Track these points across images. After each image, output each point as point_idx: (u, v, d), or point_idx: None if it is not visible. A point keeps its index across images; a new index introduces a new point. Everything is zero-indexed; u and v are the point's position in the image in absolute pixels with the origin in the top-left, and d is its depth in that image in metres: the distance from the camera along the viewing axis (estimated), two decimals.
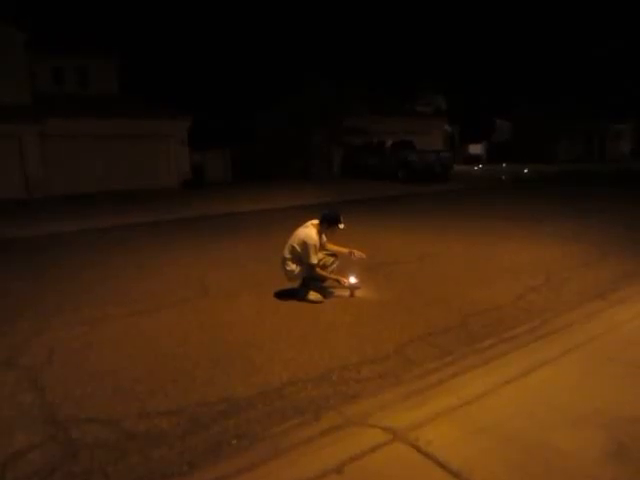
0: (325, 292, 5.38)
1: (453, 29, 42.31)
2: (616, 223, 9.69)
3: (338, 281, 5.29)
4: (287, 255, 5.23)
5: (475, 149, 42.85)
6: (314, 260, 5.08)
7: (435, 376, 3.40)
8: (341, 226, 5.18)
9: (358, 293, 5.35)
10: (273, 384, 3.40)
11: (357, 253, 5.45)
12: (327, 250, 5.46)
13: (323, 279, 5.36)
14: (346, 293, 5.36)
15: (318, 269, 5.20)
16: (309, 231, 5.16)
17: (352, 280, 5.35)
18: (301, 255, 5.11)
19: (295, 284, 5.32)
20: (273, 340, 4.18)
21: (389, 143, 22.41)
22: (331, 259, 5.47)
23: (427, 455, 2.48)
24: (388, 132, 24.82)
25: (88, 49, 22.66)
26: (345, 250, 5.48)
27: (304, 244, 5.08)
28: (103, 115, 19.35)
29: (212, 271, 6.73)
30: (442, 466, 2.39)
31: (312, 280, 5.28)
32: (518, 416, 2.82)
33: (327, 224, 5.23)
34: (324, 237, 5.37)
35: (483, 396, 3.06)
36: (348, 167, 24.59)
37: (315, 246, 5.08)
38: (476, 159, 38.70)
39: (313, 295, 5.21)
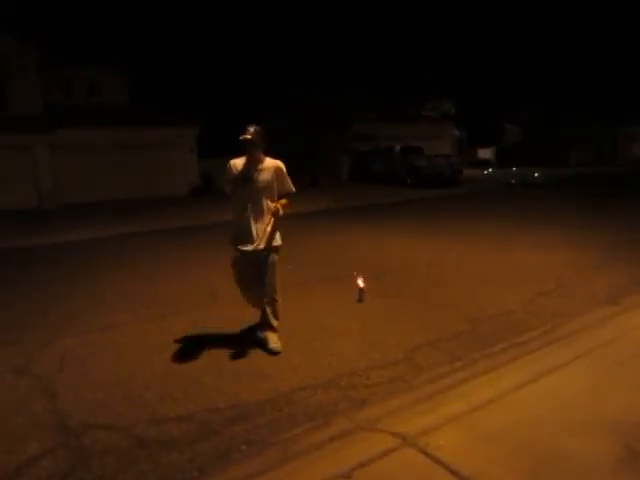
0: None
1: (460, 33, 42.33)
2: (627, 227, 9.60)
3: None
4: None
5: (484, 153, 42.79)
6: (223, 187, 4.16)
7: (445, 381, 3.38)
8: (241, 137, 3.88)
9: (366, 298, 5.35)
10: (282, 390, 3.40)
11: (272, 205, 4.01)
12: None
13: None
14: (354, 296, 5.37)
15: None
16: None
17: (360, 284, 5.36)
18: None
19: None
20: (282, 345, 4.17)
21: (397, 148, 22.40)
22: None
23: (437, 461, 2.47)
24: (396, 137, 24.80)
25: (98, 60, 22.95)
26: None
27: None
28: (112, 125, 19.56)
29: (221, 278, 6.72)
30: (452, 472, 2.38)
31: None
32: (528, 422, 2.80)
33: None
34: (263, 173, 4.00)
35: (493, 401, 3.04)
36: (356, 173, 24.61)
37: (225, 171, 4.09)
38: (485, 163, 38.59)
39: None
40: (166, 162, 20.95)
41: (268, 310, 4.15)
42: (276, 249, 4.10)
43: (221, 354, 4.08)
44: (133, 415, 3.14)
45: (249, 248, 3.94)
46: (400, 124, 28.08)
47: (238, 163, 4.05)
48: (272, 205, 3.99)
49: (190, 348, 4.25)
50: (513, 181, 22.07)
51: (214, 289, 6.17)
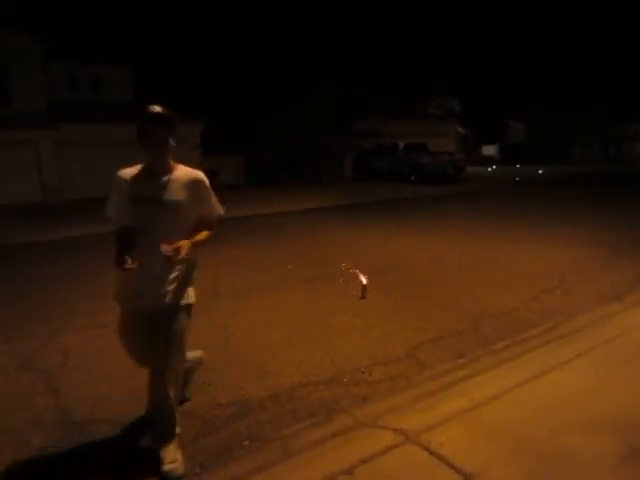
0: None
1: (467, 32, 42.18)
2: (631, 225, 9.56)
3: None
4: None
5: (488, 150, 42.72)
6: (107, 212, 2.79)
7: (447, 378, 3.39)
8: (149, 111, 2.71)
9: (369, 296, 5.35)
10: (284, 386, 3.41)
11: (165, 248, 2.31)
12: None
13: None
14: (357, 294, 5.37)
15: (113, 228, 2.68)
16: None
17: (363, 281, 5.36)
18: None
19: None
20: (284, 343, 4.19)
21: (401, 145, 22.36)
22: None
23: (439, 457, 2.47)
24: (401, 135, 24.75)
25: (103, 56, 23.04)
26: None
27: None
28: (117, 120, 19.58)
29: (224, 274, 6.75)
30: (455, 469, 2.38)
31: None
32: (530, 419, 2.80)
33: None
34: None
35: (495, 398, 3.04)
36: (361, 170, 24.58)
37: (113, 187, 2.70)
38: (489, 160, 38.55)
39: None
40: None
41: (169, 406, 2.60)
42: (187, 308, 2.61)
43: (224, 350, 4.09)
44: (136, 411, 3.14)
45: (141, 305, 2.51)
46: (405, 121, 28.04)
47: (131, 173, 2.65)
48: (180, 247, 2.33)
49: (192, 344, 4.24)
50: (518, 178, 22.05)
51: (216, 285, 6.16)
